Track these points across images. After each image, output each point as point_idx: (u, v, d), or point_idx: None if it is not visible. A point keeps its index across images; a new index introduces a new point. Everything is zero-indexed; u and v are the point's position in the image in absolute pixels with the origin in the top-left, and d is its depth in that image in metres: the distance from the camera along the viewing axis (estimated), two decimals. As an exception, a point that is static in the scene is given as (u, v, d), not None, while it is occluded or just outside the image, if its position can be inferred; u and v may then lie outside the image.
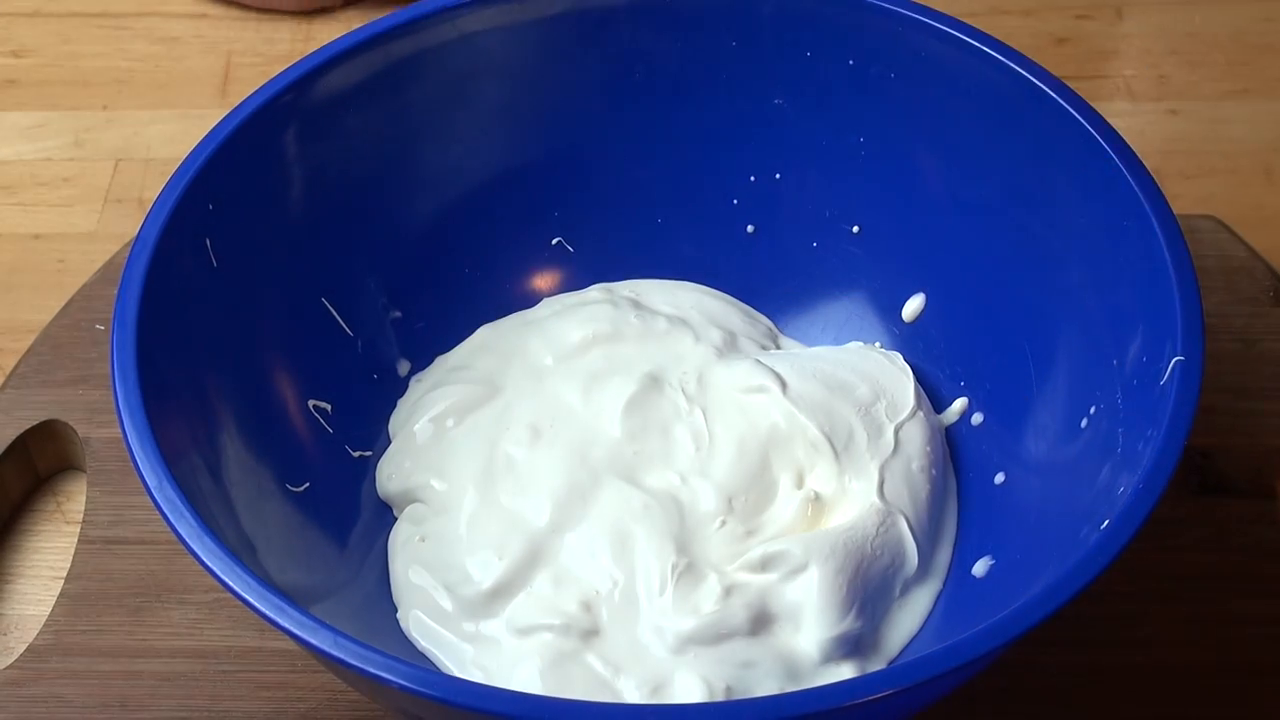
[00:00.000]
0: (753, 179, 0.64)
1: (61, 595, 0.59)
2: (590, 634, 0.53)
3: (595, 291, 0.64)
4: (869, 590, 0.54)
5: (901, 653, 0.54)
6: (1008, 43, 0.57)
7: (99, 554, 0.59)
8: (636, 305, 0.62)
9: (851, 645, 0.53)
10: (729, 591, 0.53)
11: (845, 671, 0.52)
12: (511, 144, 0.63)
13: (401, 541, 0.57)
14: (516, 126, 0.63)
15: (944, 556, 0.57)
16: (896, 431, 0.58)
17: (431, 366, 0.63)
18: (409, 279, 0.63)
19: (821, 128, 0.62)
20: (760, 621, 0.53)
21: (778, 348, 0.63)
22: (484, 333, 0.63)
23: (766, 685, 0.52)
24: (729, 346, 0.61)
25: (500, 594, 0.54)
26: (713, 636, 0.52)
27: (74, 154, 0.78)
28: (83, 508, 0.61)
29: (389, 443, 0.61)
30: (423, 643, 0.55)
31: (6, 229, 0.74)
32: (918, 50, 0.58)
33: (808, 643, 0.53)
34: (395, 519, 0.59)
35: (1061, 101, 0.55)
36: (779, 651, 0.53)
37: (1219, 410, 0.62)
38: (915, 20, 0.58)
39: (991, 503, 0.57)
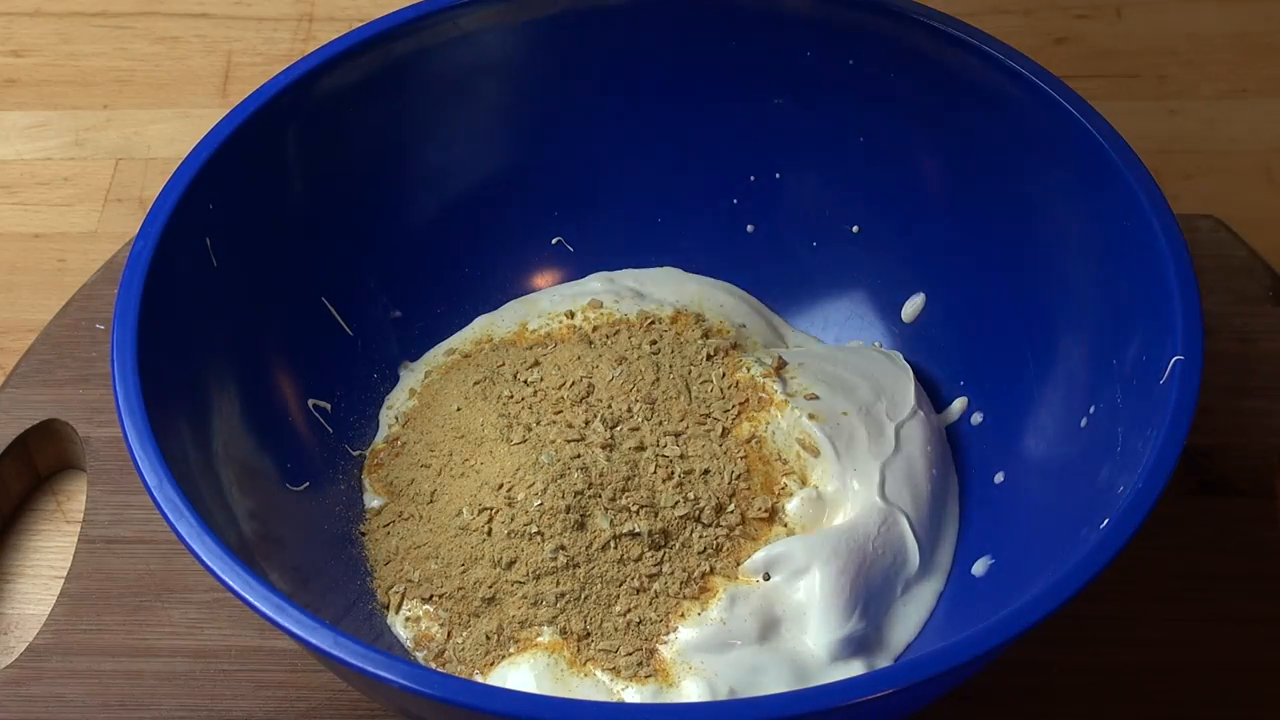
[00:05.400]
0: (753, 179, 0.64)
1: (62, 595, 0.59)
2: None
3: (595, 282, 0.64)
4: (872, 590, 0.54)
5: (904, 651, 0.54)
6: (1008, 42, 0.57)
7: (99, 553, 0.59)
8: (638, 295, 0.62)
9: (856, 645, 0.53)
10: (734, 599, 0.53)
11: (853, 670, 0.52)
12: (511, 143, 0.63)
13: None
14: (516, 126, 0.63)
15: (945, 555, 0.57)
16: (897, 431, 0.58)
17: (427, 355, 0.63)
18: (409, 279, 0.63)
19: (821, 128, 0.62)
20: (767, 627, 0.53)
21: (784, 344, 0.63)
22: (481, 321, 0.63)
23: (775, 689, 0.51)
24: (734, 341, 0.61)
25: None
26: (720, 645, 0.52)
27: (74, 153, 0.78)
28: (83, 507, 0.61)
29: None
30: (423, 642, 0.55)
31: (6, 229, 0.74)
32: (918, 50, 0.58)
33: (814, 644, 0.53)
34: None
35: (1062, 101, 0.55)
36: (786, 655, 0.52)
37: (1219, 410, 0.62)
38: (915, 20, 0.58)
39: (991, 502, 0.57)
